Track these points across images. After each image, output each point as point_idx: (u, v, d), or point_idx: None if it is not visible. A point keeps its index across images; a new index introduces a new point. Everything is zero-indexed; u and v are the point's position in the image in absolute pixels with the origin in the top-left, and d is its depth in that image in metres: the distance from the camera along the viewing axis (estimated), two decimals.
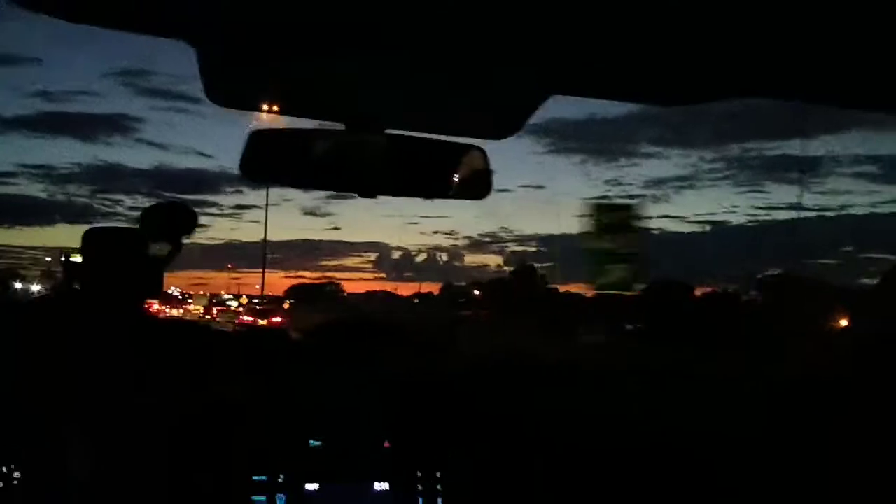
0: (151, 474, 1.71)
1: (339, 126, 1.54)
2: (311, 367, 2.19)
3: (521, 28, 1.06)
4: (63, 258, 1.99)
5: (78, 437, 1.67)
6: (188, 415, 1.83)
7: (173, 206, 2.26)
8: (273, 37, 1.13)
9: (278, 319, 28.91)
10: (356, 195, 1.65)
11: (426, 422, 1.98)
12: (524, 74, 1.29)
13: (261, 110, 1.57)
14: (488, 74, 1.30)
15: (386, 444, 1.89)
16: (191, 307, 38.83)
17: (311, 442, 1.84)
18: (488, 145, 1.63)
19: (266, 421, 1.87)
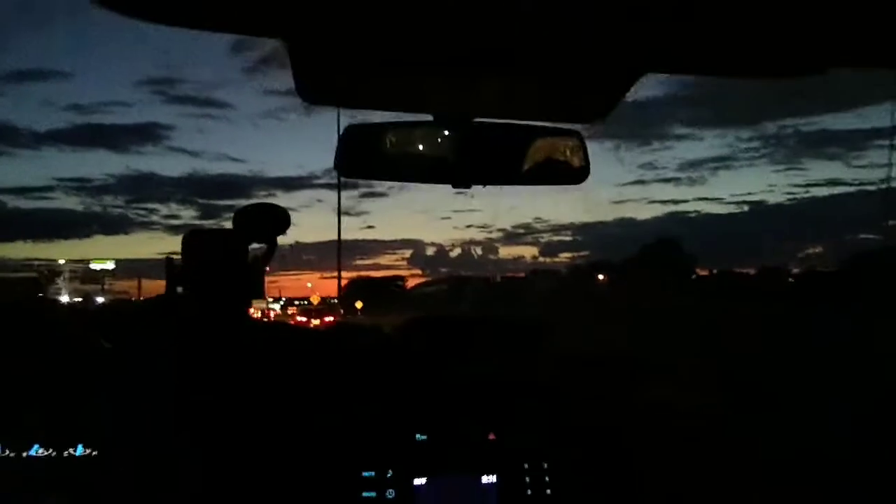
0: (263, 477, 1.74)
1: (428, 117, 1.52)
2: (412, 363, 2.20)
3: (614, 5, 1.02)
4: (167, 262, 2.03)
5: (190, 444, 1.71)
6: (299, 414, 1.86)
7: (266, 206, 2.29)
8: (362, 36, 1.13)
9: (331, 319, 29.45)
10: (435, 183, 1.64)
11: (531, 413, 1.96)
12: (617, 52, 1.25)
13: (350, 106, 1.57)
14: (579, 54, 1.26)
15: (491, 437, 1.87)
16: None
17: (418, 436, 1.83)
18: None
19: (373, 416, 1.88)
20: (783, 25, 1.07)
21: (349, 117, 1.67)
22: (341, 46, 1.19)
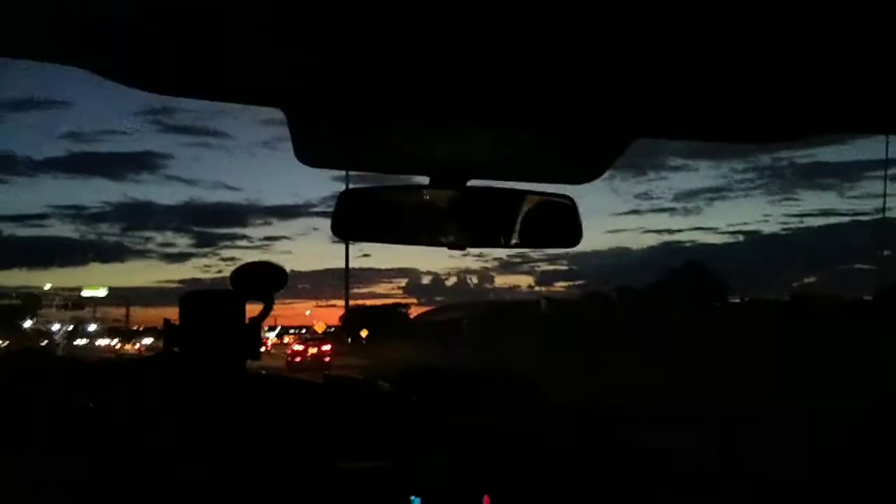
0: None
1: (424, 180, 1.55)
2: (406, 421, 2.19)
3: (607, 75, 1.05)
4: (164, 324, 2.05)
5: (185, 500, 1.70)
6: (294, 473, 1.85)
7: (263, 265, 2.31)
8: (358, 101, 1.16)
9: (328, 347, 29.10)
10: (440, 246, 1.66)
11: (526, 474, 1.95)
12: (610, 118, 1.28)
13: (348, 168, 1.60)
14: (574, 119, 1.29)
15: (486, 500, 1.86)
16: None
17: (413, 499, 1.82)
18: None
19: (368, 478, 1.87)
20: (773, 94, 1.10)
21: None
22: (338, 112, 1.22)
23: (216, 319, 2.04)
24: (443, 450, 2.00)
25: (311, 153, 1.47)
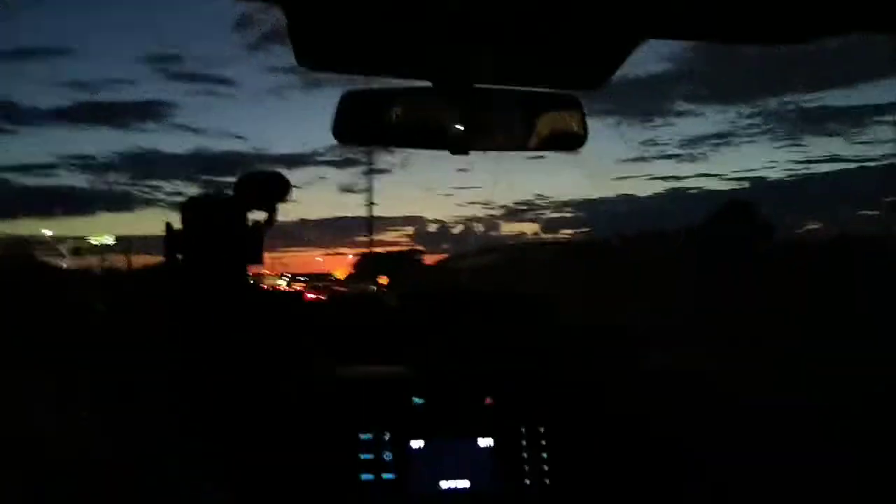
0: (260, 438, 1.76)
1: (427, 84, 1.53)
2: (410, 329, 2.22)
3: None
4: (166, 228, 2.04)
5: (189, 405, 1.73)
6: (296, 376, 1.89)
7: (267, 173, 2.30)
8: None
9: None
10: (430, 150, 1.64)
11: (529, 377, 1.98)
12: (617, 18, 1.25)
13: (349, 72, 1.57)
14: (579, 20, 1.26)
15: (488, 401, 1.89)
16: None
17: (415, 400, 1.86)
18: None
19: (370, 380, 1.90)
20: None
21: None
22: (337, 10, 1.19)
23: (218, 225, 2.05)
24: (444, 356, 2.04)
25: (311, 54, 1.43)
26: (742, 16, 1.19)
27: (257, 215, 2.24)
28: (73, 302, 1.92)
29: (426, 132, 1.59)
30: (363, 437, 1.80)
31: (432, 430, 1.84)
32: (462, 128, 1.56)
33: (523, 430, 1.87)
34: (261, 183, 2.23)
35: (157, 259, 2.12)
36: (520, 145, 1.65)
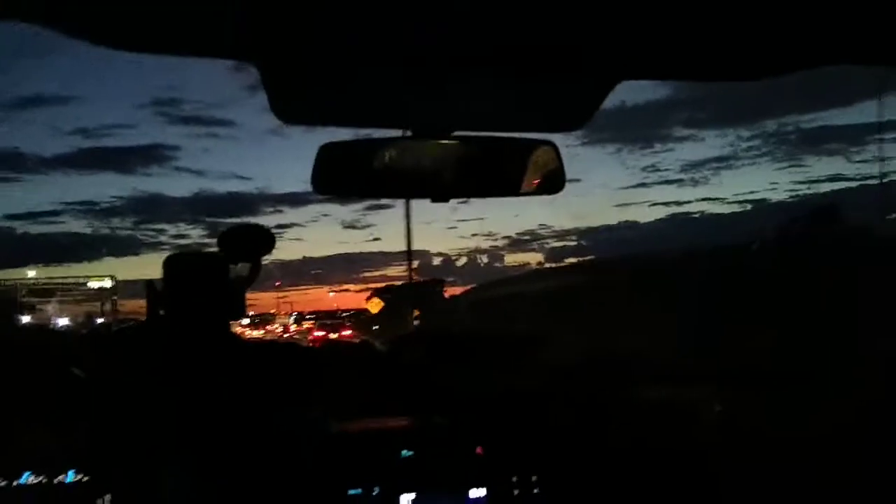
0: (249, 495, 1.72)
1: (407, 133, 1.52)
2: (397, 378, 2.19)
3: (589, 17, 1.02)
4: (147, 285, 2.03)
5: (175, 465, 1.70)
6: (287, 432, 1.85)
7: (251, 227, 2.29)
8: (335, 52, 1.13)
9: (349, 333, 28.58)
10: (408, 200, 1.63)
11: (519, 426, 1.95)
12: (593, 62, 1.26)
13: (328, 124, 1.57)
14: (555, 66, 1.26)
15: (479, 451, 1.86)
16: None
17: (404, 452, 1.82)
18: None
19: (358, 433, 1.87)
20: (754, 27, 1.08)
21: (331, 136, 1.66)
22: (312, 63, 1.19)
23: (199, 281, 2.03)
24: (433, 405, 2.01)
25: (287, 109, 1.43)
26: (715, 55, 1.20)
27: (241, 269, 2.23)
28: (50, 368, 1.88)
29: (406, 181, 1.59)
30: (352, 492, 1.76)
31: (423, 483, 1.80)
32: (442, 175, 1.56)
33: (515, 479, 1.84)
34: (243, 237, 2.22)
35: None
36: (500, 191, 1.64)
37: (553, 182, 1.61)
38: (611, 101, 1.52)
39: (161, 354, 1.94)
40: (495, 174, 1.63)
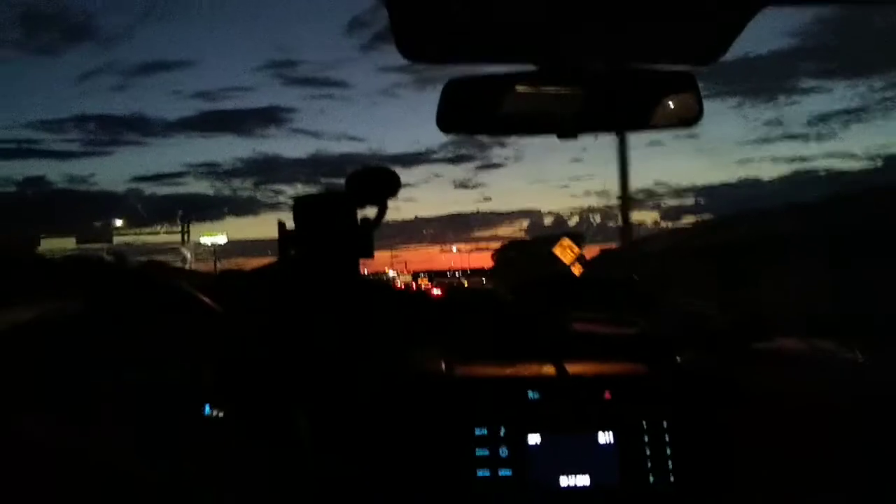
0: (375, 435, 1.76)
1: (532, 67, 1.48)
2: (523, 322, 2.18)
3: None
4: (279, 226, 2.09)
5: (307, 402, 1.75)
6: (411, 371, 1.88)
7: (377, 169, 2.31)
8: None
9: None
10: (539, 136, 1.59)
11: (649, 372, 1.90)
12: None
13: (453, 61, 1.54)
14: None
15: (607, 395, 1.83)
16: None
17: (531, 394, 1.81)
18: None
19: (483, 375, 1.88)
20: None
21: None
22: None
23: (329, 221, 2.07)
24: (561, 348, 1.99)
25: (414, 46, 1.41)
26: None
27: (368, 211, 2.26)
28: (185, 300, 1.95)
29: (532, 117, 1.55)
30: (478, 432, 1.77)
31: (550, 425, 1.79)
32: (569, 111, 1.51)
33: (645, 424, 1.80)
34: (370, 178, 2.24)
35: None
36: (631, 125, 1.58)
37: (689, 114, 1.53)
38: (731, 52, 1.41)
39: (294, 292, 2.00)
40: (626, 108, 1.56)
